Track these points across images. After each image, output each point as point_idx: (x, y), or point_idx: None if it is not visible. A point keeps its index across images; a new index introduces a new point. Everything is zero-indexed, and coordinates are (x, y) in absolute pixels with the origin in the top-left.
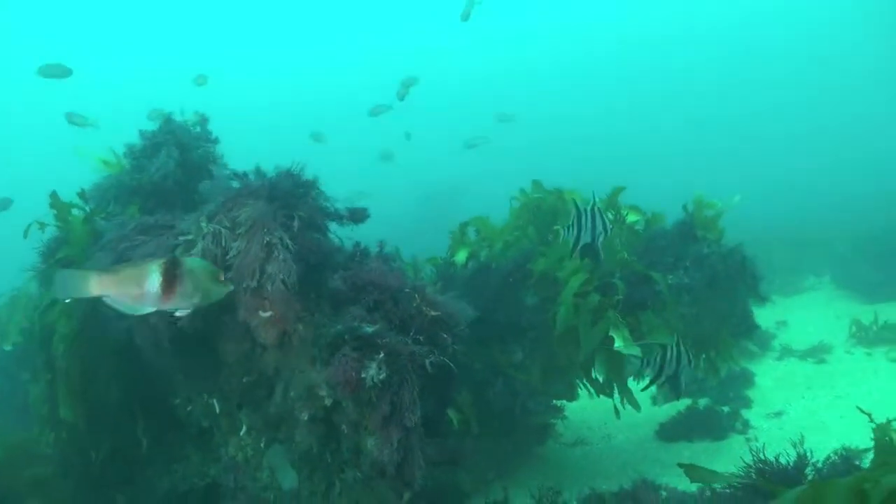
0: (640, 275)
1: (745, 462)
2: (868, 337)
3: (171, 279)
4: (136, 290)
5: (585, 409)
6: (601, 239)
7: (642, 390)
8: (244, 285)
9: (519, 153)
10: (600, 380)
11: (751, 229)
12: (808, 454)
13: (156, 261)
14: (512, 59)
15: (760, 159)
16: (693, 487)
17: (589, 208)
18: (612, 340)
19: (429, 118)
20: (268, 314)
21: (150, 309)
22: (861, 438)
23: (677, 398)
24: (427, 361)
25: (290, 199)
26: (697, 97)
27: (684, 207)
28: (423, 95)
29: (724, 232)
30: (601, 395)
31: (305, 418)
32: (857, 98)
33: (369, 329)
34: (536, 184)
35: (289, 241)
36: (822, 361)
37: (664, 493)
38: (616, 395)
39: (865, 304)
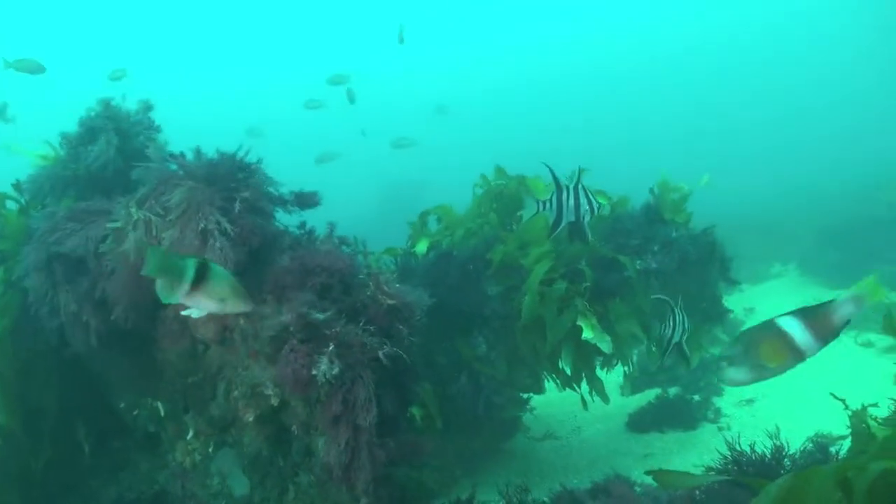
0: (608, 259)
1: (720, 454)
2: None
3: (199, 279)
4: (175, 281)
5: (553, 401)
6: (587, 218)
7: (662, 358)
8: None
9: (486, 146)
10: (567, 371)
11: (717, 216)
12: (785, 445)
13: (195, 257)
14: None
15: (731, 150)
16: None
17: (572, 185)
18: (579, 330)
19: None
20: None
21: (177, 300)
22: (834, 424)
23: (688, 365)
24: (381, 353)
25: (229, 182)
26: (681, 92)
27: (651, 190)
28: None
29: (691, 216)
30: (568, 388)
31: (251, 420)
32: (836, 96)
33: (320, 316)
34: (499, 170)
35: (227, 226)
36: None
37: (638, 489)
38: (584, 386)
39: (830, 290)
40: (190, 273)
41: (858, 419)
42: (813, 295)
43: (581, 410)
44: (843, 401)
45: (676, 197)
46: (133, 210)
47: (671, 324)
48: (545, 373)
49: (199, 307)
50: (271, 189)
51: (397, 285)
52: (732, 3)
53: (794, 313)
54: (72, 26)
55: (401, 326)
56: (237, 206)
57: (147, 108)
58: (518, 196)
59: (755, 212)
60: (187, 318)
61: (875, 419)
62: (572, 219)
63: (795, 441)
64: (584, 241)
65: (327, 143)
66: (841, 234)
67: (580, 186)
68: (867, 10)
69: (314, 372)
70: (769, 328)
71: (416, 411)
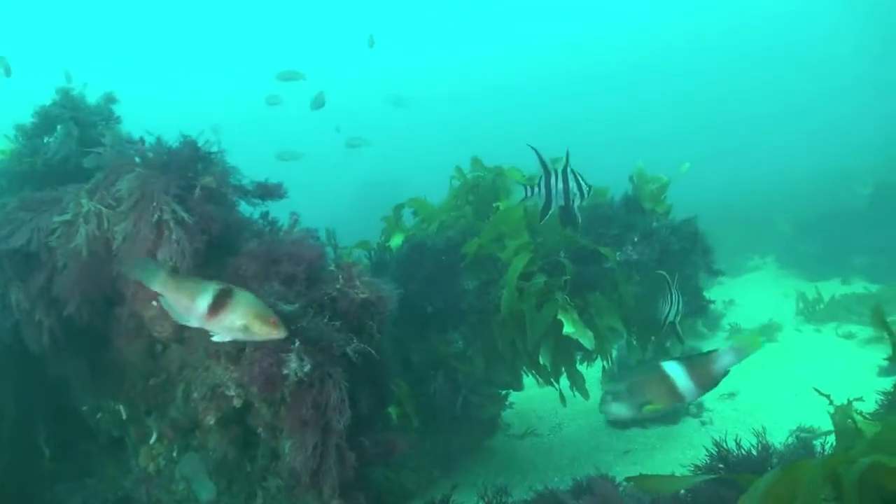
0: (588, 251)
1: (706, 450)
2: (816, 314)
3: (218, 306)
4: (188, 303)
5: (534, 397)
6: (577, 202)
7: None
8: (133, 278)
9: (468, 143)
10: (547, 366)
11: (696, 208)
12: (772, 443)
13: (213, 283)
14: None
15: (711, 143)
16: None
17: (561, 169)
18: (560, 325)
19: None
20: None
21: (195, 325)
22: (816, 416)
23: (682, 344)
24: (349, 349)
25: (188, 171)
26: (662, 88)
27: (630, 178)
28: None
29: (671, 207)
30: (548, 384)
31: (212, 423)
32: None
33: (287, 308)
34: (476, 161)
35: (184, 215)
36: (772, 340)
37: (622, 488)
38: (564, 381)
39: (809, 282)
40: (206, 299)
41: (843, 414)
42: (793, 286)
43: (562, 406)
44: (828, 396)
45: (655, 187)
46: (84, 201)
47: (669, 301)
48: (525, 369)
49: (220, 334)
50: (233, 179)
51: (370, 278)
52: (712, 1)
53: (679, 360)
54: (26, 24)
55: (372, 322)
56: (197, 192)
57: (109, 99)
58: (495, 187)
59: (733, 204)
60: (143, 315)
61: (861, 414)
62: (562, 203)
63: (779, 435)
64: (574, 225)
65: (302, 142)
66: (819, 226)
67: (569, 169)
68: (848, 5)
69: (285, 371)
70: (654, 372)
71: (392, 410)
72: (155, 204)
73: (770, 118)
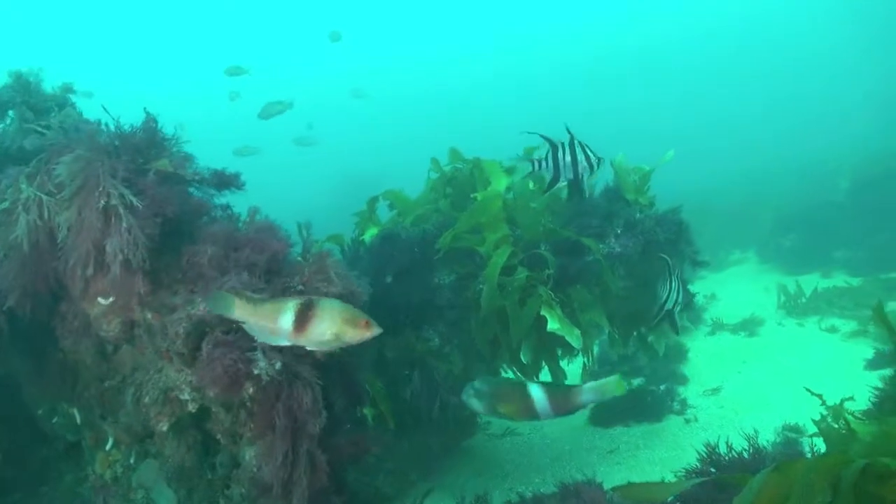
0: (571, 242)
1: (696, 452)
2: (798, 308)
3: (303, 320)
4: (271, 325)
5: None
6: (587, 176)
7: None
8: (79, 273)
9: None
10: (527, 363)
11: (678, 201)
12: (763, 445)
13: (293, 299)
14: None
15: (695, 137)
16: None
17: (568, 143)
18: (543, 321)
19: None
20: (108, 301)
21: (284, 343)
22: (803, 413)
23: (676, 333)
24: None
25: (138, 156)
26: (645, 83)
27: (611, 163)
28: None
29: (655, 198)
30: (530, 381)
31: (165, 429)
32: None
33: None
34: (454, 152)
35: (133, 199)
36: (754, 334)
37: (609, 494)
38: (543, 378)
39: (790, 276)
40: (288, 317)
41: (836, 416)
42: (774, 280)
43: None
44: (819, 396)
45: (637, 178)
46: (23, 186)
47: (668, 288)
48: (505, 365)
49: (314, 347)
50: (189, 167)
51: (343, 271)
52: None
53: (544, 386)
54: None
55: None
56: (151, 176)
57: (67, 89)
58: (472, 179)
59: (713, 198)
60: (88, 313)
61: (852, 414)
62: (570, 176)
63: (766, 432)
64: (581, 198)
65: (271, 138)
66: (799, 220)
67: (576, 142)
68: (835, 3)
69: (256, 370)
70: (520, 390)
71: (367, 411)
72: (101, 189)
73: (750, 112)
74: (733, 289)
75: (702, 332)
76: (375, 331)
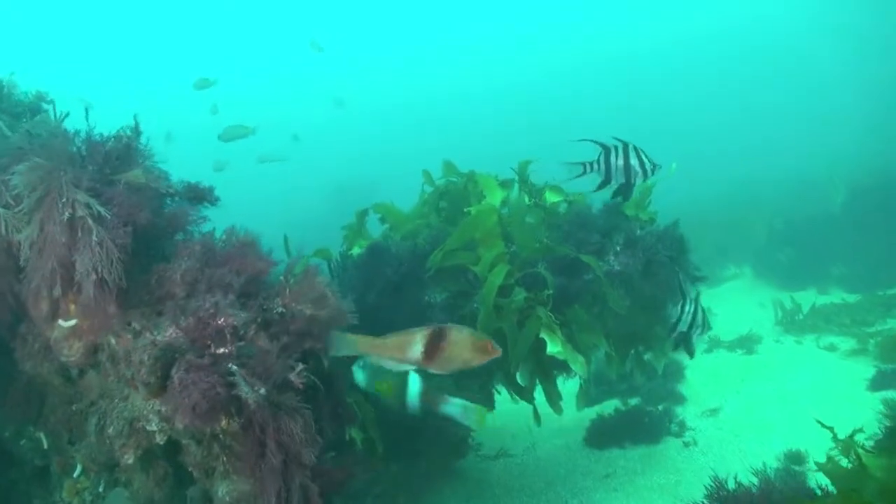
0: (569, 260)
1: (705, 488)
2: (795, 325)
3: (433, 350)
4: (399, 356)
5: (506, 413)
6: (638, 180)
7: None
8: (44, 294)
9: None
10: (524, 383)
11: (670, 213)
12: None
13: (421, 331)
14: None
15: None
16: None
17: (621, 146)
18: (542, 343)
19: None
20: (70, 323)
21: (413, 368)
22: (804, 436)
23: (691, 357)
24: (292, 376)
25: (105, 166)
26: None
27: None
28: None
29: (656, 213)
30: (523, 401)
31: (131, 462)
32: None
33: (242, 314)
34: (448, 165)
35: (101, 209)
36: (752, 352)
37: None
38: (538, 397)
39: (785, 292)
40: (418, 349)
41: (846, 450)
42: (770, 296)
43: (536, 425)
44: (830, 428)
45: (637, 193)
46: None
47: (682, 308)
48: (499, 385)
49: (440, 371)
50: (160, 177)
51: (330, 291)
52: (692, 7)
53: (422, 381)
54: None
55: (319, 344)
56: (121, 186)
57: (40, 97)
58: (465, 194)
59: (706, 208)
60: (49, 337)
61: (862, 446)
62: (622, 180)
63: (768, 457)
64: (626, 198)
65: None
66: (794, 234)
67: (630, 145)
68: (827, 12)
69: (243, 395)
70: (402, 376)
71: (356, 434)
72: (64, 200)
73: (741, 121)
74: (729, 305)
75: (698, 349)
76: (498, 353)
